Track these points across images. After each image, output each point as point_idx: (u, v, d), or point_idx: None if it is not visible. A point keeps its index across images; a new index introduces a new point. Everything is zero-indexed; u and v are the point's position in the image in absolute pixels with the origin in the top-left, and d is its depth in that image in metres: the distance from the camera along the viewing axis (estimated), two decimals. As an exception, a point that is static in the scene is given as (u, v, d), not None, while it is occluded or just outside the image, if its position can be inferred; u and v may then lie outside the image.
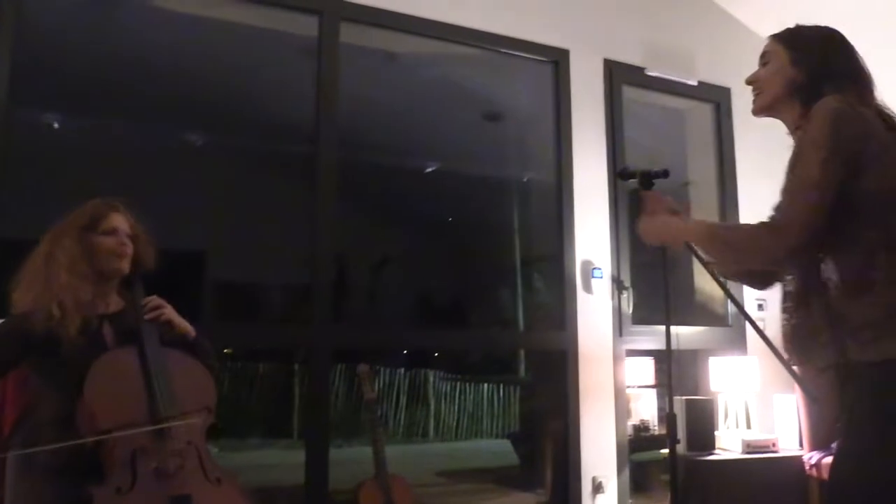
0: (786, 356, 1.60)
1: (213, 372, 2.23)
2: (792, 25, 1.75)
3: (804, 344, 1.58)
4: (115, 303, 2.17)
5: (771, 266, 1.66)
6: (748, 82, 1.78)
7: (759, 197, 4.20)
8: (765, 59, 1.75)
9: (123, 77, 3.96)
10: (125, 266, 2.14)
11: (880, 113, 1.60)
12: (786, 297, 1.65)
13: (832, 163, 1.48)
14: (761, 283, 1.77)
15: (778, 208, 1.58)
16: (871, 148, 1.50)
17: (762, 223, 1.56)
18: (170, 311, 2.18)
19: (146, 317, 2.12)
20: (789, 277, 1.64)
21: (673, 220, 1.76)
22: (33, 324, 1.95)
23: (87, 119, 4.05)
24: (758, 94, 1.75)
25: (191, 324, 2.23)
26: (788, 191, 1.55)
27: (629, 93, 4.02)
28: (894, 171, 1.50)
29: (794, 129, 1.68)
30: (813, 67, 1.65)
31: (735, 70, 4.31)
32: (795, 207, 1.52)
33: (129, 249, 2.14)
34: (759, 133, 4.28)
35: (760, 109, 1.75)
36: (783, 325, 1.63)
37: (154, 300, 2.17)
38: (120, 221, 2.14)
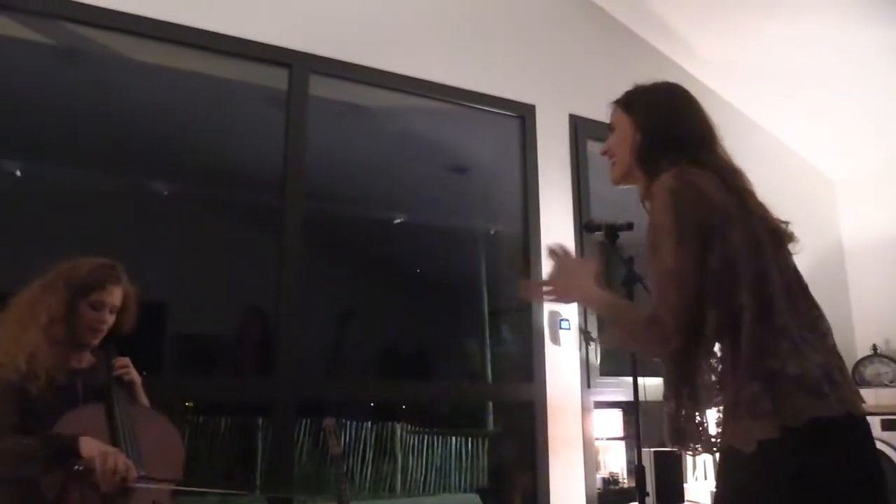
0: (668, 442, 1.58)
1: None
2: (631, 87, 1.73)
3: (676, 428, 1.57)
4: (87, 359, 2.14)
5: (658, 357, 1.59)
6: (602, 153, 1.74)
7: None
8: (612, 127, 1.71)
9: (89, 126, 3.93)
10: (96, 341, 2.12)
11: (722, 173, 1.54)
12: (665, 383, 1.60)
13: (685, 247, 1.44)
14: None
15: (653, 302, 1.51)
16: (714, 222, 1.46)
17: (646, 317, 1.49)
18: (134, 375, 2.17)
19: (114, 374, 2.10)
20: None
21: (588, 284, 1.64)
22: (6, 375, 1.91)
23: (51, 167, 4.00)
24: (612, 164, 1.71)
25: (153, 376, 2.24)
26: (654, 284, 1.51)
27: (594, 147, 4.11)
28: (734, 246, 1.45)
29: (642, 199, 1.65)
30: (652, 130, 1.62)
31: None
32: (664, 302, 1.46)
33: (107, 326, 2.11)
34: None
35: (616, 181, 1.71)
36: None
37: (124, 360, 2.16)
38: (112, 296, 2.10)
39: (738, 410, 1.40)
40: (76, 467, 1.80)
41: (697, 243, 1.45)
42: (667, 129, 1.62)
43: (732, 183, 1.54)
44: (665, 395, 1.60)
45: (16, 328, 1.97)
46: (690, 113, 1.66)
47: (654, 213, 1.51)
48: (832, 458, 1.34)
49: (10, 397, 1.90)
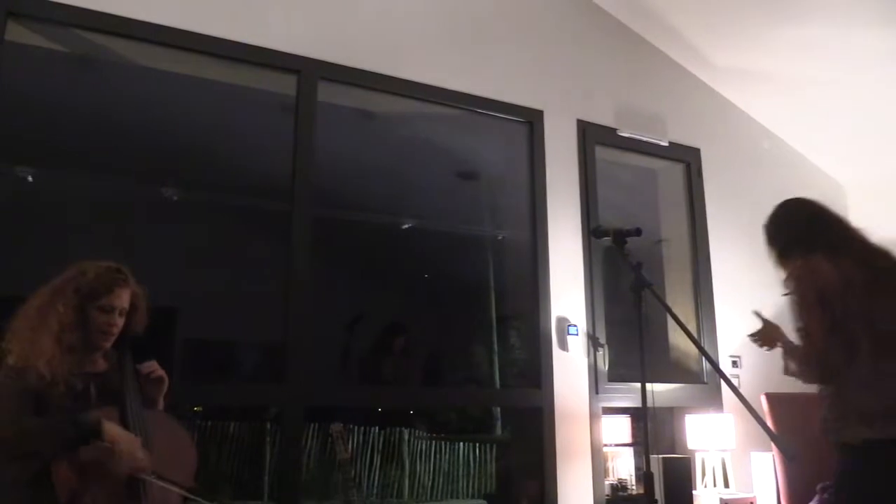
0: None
1: None
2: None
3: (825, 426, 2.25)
4: (100, 363, 2.14)
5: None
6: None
7: (729, 254, 4.29)
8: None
9: (100, 131, 3.96)
10: (108, 344, 2.12)
11: (828, 252, 2.28)
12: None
13: (812, 311, 2.19)
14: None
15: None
16: (828, 294, 2.20)
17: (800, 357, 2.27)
18: (163, 373, 2.20)
19: (144, 374, 2.14)
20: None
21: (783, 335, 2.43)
22: (27, 380, 1.92)
23: (62, 173, 4.02)
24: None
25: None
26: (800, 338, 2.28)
27: (602, 153, 4.10)
28: (843, 308, 2.18)
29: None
30: (768, 240, 2.47)
31: (704, 131, 4.46)
32: (804, 349, 2.24)
33: (118, 329, 2.12)
34: (729, 192, 4.39)
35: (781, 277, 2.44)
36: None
37: (151, 364, 2.19)
38: (121, 299, 2.11)
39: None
40: (98, 445, 1.86)
41: (820, 308, 2.18)
42: (773, 236, 2.48)
43: (837, 261, 2.27)
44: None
45: (30, 335, 1.98)
46: (790, 219, 2.47)
47: (794, 292, 2.29)
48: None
49: (31, 402, 1.91)
